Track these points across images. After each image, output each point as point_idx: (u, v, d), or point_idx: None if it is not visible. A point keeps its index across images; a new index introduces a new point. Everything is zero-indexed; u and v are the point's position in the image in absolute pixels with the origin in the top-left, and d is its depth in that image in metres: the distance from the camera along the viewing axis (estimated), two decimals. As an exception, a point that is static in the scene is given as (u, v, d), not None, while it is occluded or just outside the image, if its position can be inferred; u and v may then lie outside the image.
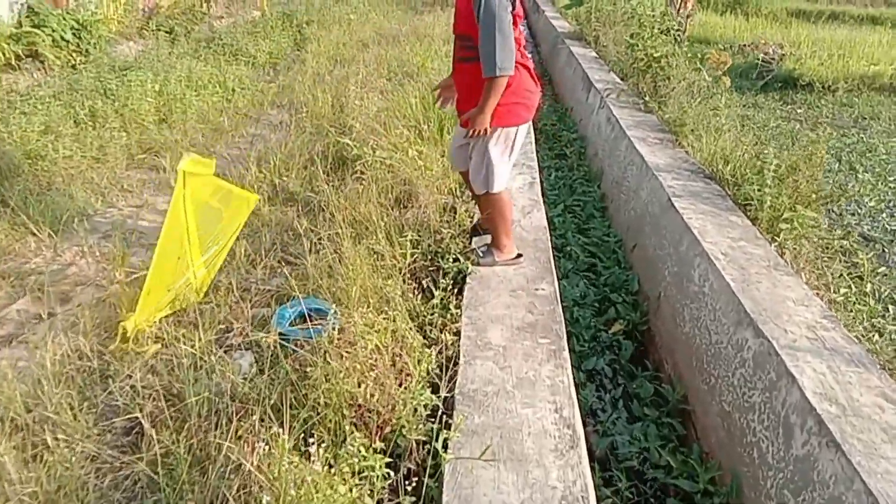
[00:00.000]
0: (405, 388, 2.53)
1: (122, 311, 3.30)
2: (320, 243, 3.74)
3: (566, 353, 2.90)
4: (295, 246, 4.02)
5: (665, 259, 4.47)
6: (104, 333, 3.25)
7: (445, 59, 9.13)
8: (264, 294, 3.56)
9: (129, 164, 5.64)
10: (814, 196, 4.62)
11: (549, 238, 4.02)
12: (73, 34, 9.16)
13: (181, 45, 10.04)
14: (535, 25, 19.62)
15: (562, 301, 4.40)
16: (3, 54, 8.08)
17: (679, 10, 13.25)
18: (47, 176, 4.87)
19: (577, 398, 2.72)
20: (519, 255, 3.70)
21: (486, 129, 3.27)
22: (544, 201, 5.00)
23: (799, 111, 10.71)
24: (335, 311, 3.12)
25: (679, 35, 8.28)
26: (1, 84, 7.35)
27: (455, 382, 2.63)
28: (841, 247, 4.64)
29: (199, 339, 2.94)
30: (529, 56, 3.45)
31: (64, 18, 9.14)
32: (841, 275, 4.17)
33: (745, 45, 14.02)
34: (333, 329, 2.80)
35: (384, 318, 2.84)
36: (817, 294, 3.58)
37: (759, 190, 4.54)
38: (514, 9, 3.18)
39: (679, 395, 3.68)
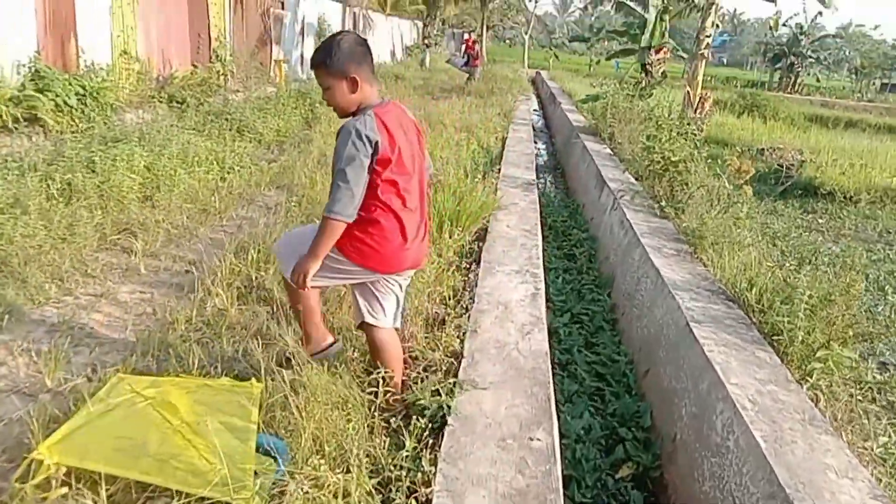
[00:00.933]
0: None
1: (38, 436, 2.75)
2: (283, 361, 3.23)
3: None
4: (257, 357, 3.50)
5: (682, 394, 3.91)
6: (9, 464, 2.71)
7: (455, 148, 8.84)
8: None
9: (99, 245, 5.20)
10: (850, 332, 4.10)
11: (549, 368, 3.49)
12: (78, 100, 8.95)
13: (189, 117, 9.82)
14: (552, 118, 19.64)
15: (563, 435, 3.86)
16: (1, 117, 7.84)
17: (696, 110, 13.11)
18: (2, 257, 4.42)
19: None
20: (334, 343, 3.25)
21: (304, 276, 2.84)
22: (548, 312, 4.50)
23: (820, 221, 10.29)
24: (285, 451, 2.59)
25: (697, 137, 7.94)
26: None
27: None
28: (875, 382, 4.08)
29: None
30: (415, 210, 2.99)
31: (70, 84, 8.96)
32: (877, 416, 3.63)
33: (763, 150, 13.76)
34: (272, 487, 2.25)
35: (337, 480, 2.29)
36: (858, 454, 3.01)
37: (789, 322, 4.02)
38: (396, 152, 2.79)
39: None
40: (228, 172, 7.41)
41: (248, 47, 15.06)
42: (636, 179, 8.21)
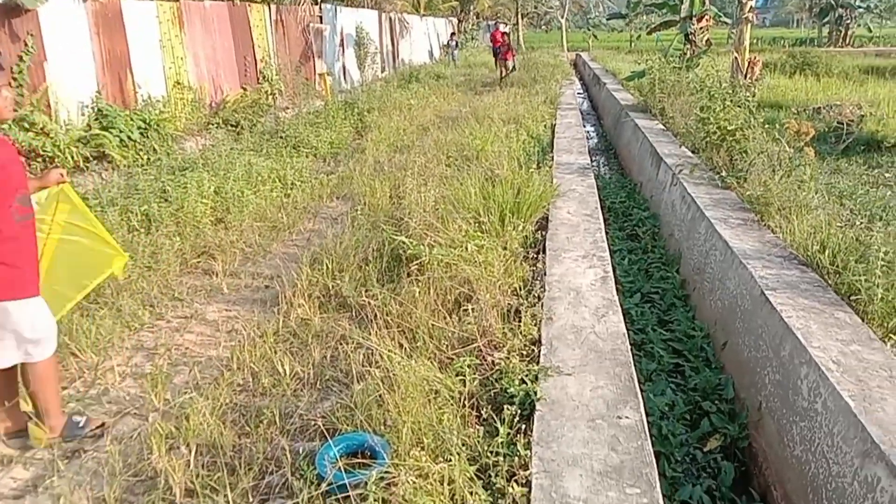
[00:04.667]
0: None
1: (158, 452, 2.97)
2: (371, 361, 3.39)
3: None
4: (347, 361, 3.67)
5: (764, 363, 3.91)
6: (133, 479, 2.93)
7: (505, 141, 8.91)
8: (308, 425, 3.19)
9: (182, 270, 5.48)
10: (933, 285, 4.02)
11: (628, 349, 3.54)
12: (141, 133, 9.38)
13: (245, 139, 10.15)
14: (597, 98, 19.45)
15: (647, 413, 3.91)
16: (72, 157, 8.27)
17: (746, 75, 12.83)
18: (96, 289, 4.71)
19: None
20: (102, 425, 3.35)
21: None
22: (619, 294, 4.54)
23: (887, 175, 9.94)
24: (387, 448, 2.73)
25: (750, 103, 7.80)
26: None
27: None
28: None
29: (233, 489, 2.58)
30: None
31: (131, 119, 9.40)
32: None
33: (820, 108, 13.36)
34: (380, 480, 2.39)
35: (440, 469, 2.41)
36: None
37: (866, 280, 3.97)
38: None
39: (797, 538, 3.08)
40: (291, 188, 7.66)
41: (292, 64, 15.42)
42: (692, 152, 8.12)
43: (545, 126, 11.15)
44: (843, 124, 11.71)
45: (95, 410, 3.58)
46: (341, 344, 3.83)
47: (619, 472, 2.53)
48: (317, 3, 17.11)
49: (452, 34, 32.34)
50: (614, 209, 8.34)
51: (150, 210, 5.95)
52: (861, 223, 4.96)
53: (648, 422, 3.87)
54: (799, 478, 3.26)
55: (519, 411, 2.93)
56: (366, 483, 2.44)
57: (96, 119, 9.20)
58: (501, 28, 21.43)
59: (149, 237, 5.60)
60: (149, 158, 8.90)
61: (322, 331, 4.18)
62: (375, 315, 4.04)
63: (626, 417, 2.90)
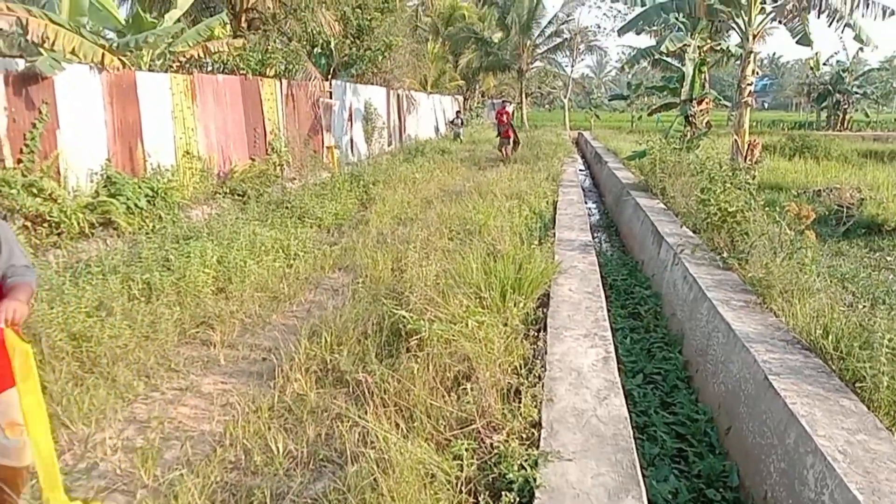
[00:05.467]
0: None
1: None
2: (366, 441, 3.31)
3: None
4: (342, 440, 3.58)
5: (769, 451, 3.82)
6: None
7: (508, 216, 8.99)
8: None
9: (180, 340, 5.44)
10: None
11: (630, 433, 3.47)
12: (148, 201, 9.49)
13: (251, 208, 10.26)
14: (599, 176, 19.74)
15: (650, 501, 3.79)
16: (78, 224, 8.34)
17: (746, 157, 13.04)
18: (92, 357, 4.67)
19: None
20: None
21: None
22: (620, 374, 4.48)
23: (888, 258, 9.98)
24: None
25: (751, 185, 7.90)
26: (70, 254, 7.51)
27: None
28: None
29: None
30: None
31: (139, 187, 9.52)
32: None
33: (820, 191, 13.53)
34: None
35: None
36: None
37: (871, 367, 3.92)
38: None
39: None
40: (294, 259, 7.68)
41: (301, 137, 15.74)
42: (693, 232, 8.18)
43: (547, 202, 11.27)
44: (843, 207, 11.84)
45: (83, 486, 3.48)
46: (337, 422, 3.75)
47: (620, 567, 2.43)
48: (327, 79, 17.60)
49: (458, 112, 33.14)
50: (616, 287, 8.33)
51: (151, 278, 5.94)
52: (864, 307, 4.93)
53: (652, 511, 3.77)
54: (808, 575, 3.13)
55: (518, 499, 2.84)
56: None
57: (105, 186, 9.33)
58: (508, 108, 21.89)
59: (149, 306, 5.58)
60: (154, 226, 8.97)
61: (318, 407, 4.11)
62: (372, 392, 3.97)
63: (628, 508, 2.81)
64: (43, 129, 8.53)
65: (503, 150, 20.12)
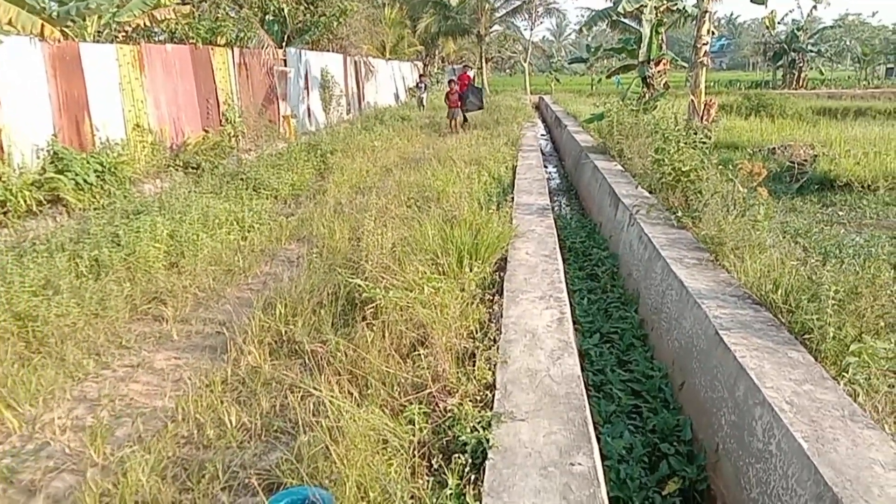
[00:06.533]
0: None
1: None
2: (319, 411, 3.28)
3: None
4: (296, 411, 3.55)
5: (720, 404, 3.89)
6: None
7: (467, 182, 8.94)
8: (252, 480, 3.07)
9: (131, 316, 5.33)
10: (882, 323, 4.06)
11: (583, 392, 3.50)
12: (97, 177, 9.21)
13: (205, 181, 10.04)
14: (559, 140, 19.74)
15: (605, 456, 3.85)
16: (25, 201, 8.07)
17: (703, 117, 13.13)
18: (39, 337, 4.55)
19: None
20: None
21: None
22: (576, 335, 4.51)
23: (840, 213, 10.21)
24: (332, 502, 2.63)
25: (706, 145, 7.97)
26: (18, 234, 7.28)
27: None
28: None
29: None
30: None
31: (87, 162, 9.22)
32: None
33: (774, 149, 13.73)
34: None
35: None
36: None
37: (818, 319, 4.00)
38: None
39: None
40: (249, 231, 7.56)
41: (255, 106, 15.40)
42: (650, 193, 8.23)
43: (507, 167, 11.24)
44: (797, 164, 12.04)
45: (31, 467, 3.40)
46: (291, 392, 3.71)
47: (570, 523, 2.46)
48: (281, 47, 17.19)
49: (422, 76, 32.71)
50: (574, 249, 8.37)
51: (100, 255, 5.79)
52: (815, 262, 5.02)
53: (607, 465, 3.83)
54: (756, 522, 3.21)
55: (470, 460, 2.85)
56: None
57: (52, 162, 9.02)
58: (469, 73, 21.39)
59: (98, 283, 5.44)
60: (105, 202, 8.73)
61: (272, 378, 4.07)
62: (328, 362, 3.94)
63: (579, 464, 2.84)
64: (-19, 105, 8.19)
65: (452, 121, 18.84)
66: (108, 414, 3.90)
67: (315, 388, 3.45)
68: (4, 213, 7.85)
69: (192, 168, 11.46)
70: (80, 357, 4.50)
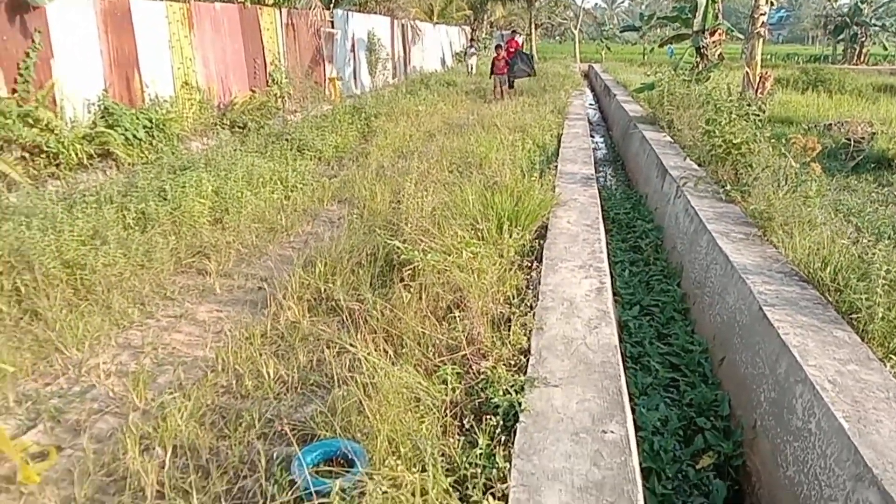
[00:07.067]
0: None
1: (133, 450, 2.91)
2: (354, 367, 3.32)
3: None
4: (333, 366, 3.60)
5: (760, 380, 3.82)
6: (106, 479, 2.87)
7: (510, 149, 8.85)
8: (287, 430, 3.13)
9: (176, 269, 5.44)
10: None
11: (619, 361, 3.46)
12: (146, 132, 9.39)
13: (251, 140, 10.13)
14: (607, 109, 19.38)
15: (639, 427, 3.82)
16: (76, 154, 8.27)
17: (757, 90, 12.73)
18: (87, 285, 4.68)
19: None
20: None
21: None
22: (616, 306, 4.46)
23: (897, 193, 9.83)
24: (363, 455, 2.66)
25: (759, 118, 7.71)
26: (70, 185, 7.47)
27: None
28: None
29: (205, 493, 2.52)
30: None
31: (137, 118, 9.40)
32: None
33: (831, 125, 13.25)
34: (352, 488, 2.32)
35: (414, 479, 2.34)
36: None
37: (867, 299, 3.88)
38: None
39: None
40: (292, 191, 7.62)
41: (302, 68, 15.43)
42: (698, 165, 8.04)
43: (552, 135, 11.08)
44: (853, 141, 11.60)
45: (76, 408, 3.52)
46: (328, 348, 3.76)
47: (599, 489, 2.45)
48: (328, 8, 17.14)
49: (472, 41, 32.29)
50: (618, 220, 8.25)
51: (146, 208, 5.91)
52: (867, 241, 4.86)
53: (640, 437, 3.80)
54: (791, 499, 3.16)
55: (502, 422, 2.85)
56: (338, 491, 2.37)
57: (102, 117, 9.21)
58: (517, 39, 20.95)
59: (144, 235, 5.56)
60: (153, 157, 8.89)
61: (310, 334, 4.13)
62: (364, 320, 3.97)
63: (612, 432, 2.82)
64: (37, 59, 8.36)
65: (499, 87, 18.12)
66: (151, 361, 4.00)
67: (351, 345, 3.48)
68: (57, 165, 8.06)
69: (239, 127, 11.58)
70: (125, 306, 4.62)
